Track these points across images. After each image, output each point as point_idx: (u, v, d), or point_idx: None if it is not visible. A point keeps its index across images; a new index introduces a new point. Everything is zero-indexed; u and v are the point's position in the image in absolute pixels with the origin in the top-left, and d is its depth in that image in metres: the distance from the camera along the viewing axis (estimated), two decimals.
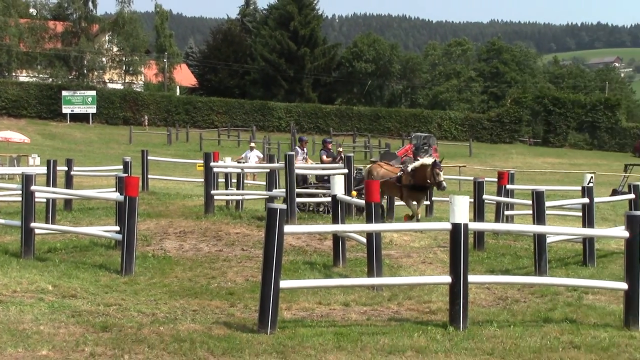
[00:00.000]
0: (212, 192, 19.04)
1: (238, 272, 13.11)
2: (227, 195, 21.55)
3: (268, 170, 20.76)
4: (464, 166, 43.11)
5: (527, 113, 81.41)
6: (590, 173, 21.50)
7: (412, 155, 54.11)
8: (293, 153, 18.69)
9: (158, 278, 12.50)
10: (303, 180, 21.74)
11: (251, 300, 10.92)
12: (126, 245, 12.66)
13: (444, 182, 17.95)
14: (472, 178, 21.31)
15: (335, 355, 8.35)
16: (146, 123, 72.65)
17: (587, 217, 15.44)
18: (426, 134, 61.08)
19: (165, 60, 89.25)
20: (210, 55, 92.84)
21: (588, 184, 17.40)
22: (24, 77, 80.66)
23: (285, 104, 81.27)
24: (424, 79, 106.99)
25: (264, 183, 22.73)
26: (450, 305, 9.74)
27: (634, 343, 9.07)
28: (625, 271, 10.07)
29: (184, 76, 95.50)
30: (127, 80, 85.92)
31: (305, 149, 23.60)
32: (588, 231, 14.23)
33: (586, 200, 15.47)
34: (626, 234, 9.97)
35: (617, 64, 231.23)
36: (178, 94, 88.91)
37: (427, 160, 18.31)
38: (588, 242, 15.07)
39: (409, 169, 18.33)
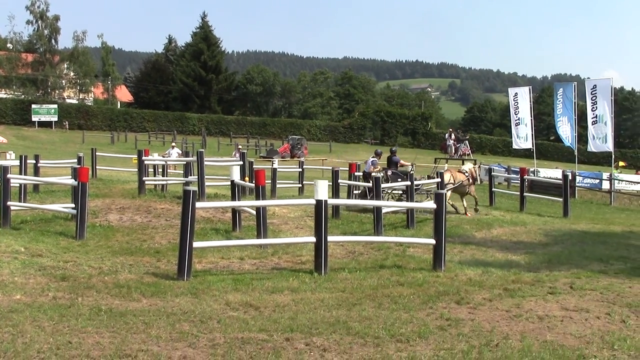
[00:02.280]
0: (144, 178, 18.58)
1: (163, 236, 12.84)
2: (155, 181, 21.08)
3: (185, 162, 20.41)
4: (325, 159, 43.43)
5: (369, 122, 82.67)
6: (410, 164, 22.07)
7: (288, 152, 54.24)
8: (202, 150, 18.38)
9: (103, 241, 12.09)
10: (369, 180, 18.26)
11: (172, 257, 10.71)
12: (79, 218, 12.20)
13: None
14: (331, 168, 21.58)
15: (233, 295, 8.30)
16: (67, 127, 70.32)
17: (410, 194, 15.83)
18: (299, 137, 61.19)
19: (109, 82, 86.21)
20: (143, 79, 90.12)
21: (410, 172, 17.85)
22: (2, 94, 76.95)
23: (198, 114, 79.65)
24: (298, 97, 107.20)
25: (182, 172, 22.34)
26: (315, 257, 9.81)
27: (439, 280, 9.38)
28: (433, 231, 10.40)
29: (123, 94, 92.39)
30: (80, 97, 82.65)
31: (375, 160, 19.69)
32: (409, 204, 14.61)
33: (408, 183, 15.83)
34: (434, 206, 10.31)
35: (429, 89, 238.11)
36: (119, 107, 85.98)
37: (471, 165, 19.28)
38: (410, 212, 15.47)
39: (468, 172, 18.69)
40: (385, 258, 11.28)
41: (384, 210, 14.83)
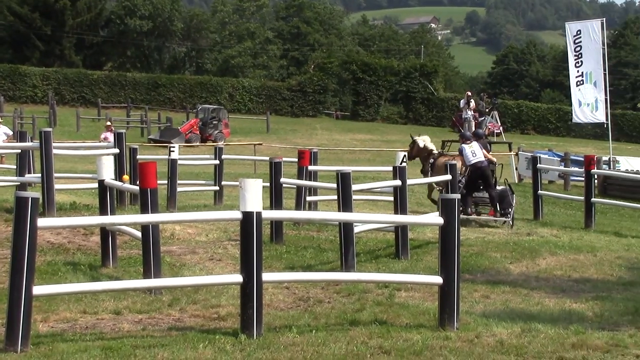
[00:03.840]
0: None
1: None
2: None
3: (19, 150, 20.17)
4: (260, 144, 43.47)
5: (333, 81, 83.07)
6: (403, 151, 22.30)
7: (197, 132, 54.36)
8: (50, 130, 18.23)
9: None
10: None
11: None
12: None
13: None
14: (268, 158, 21.60)
15: None
16: None
17: (400, 202, 15.92)
18: (215, 106, 61.10)
19: None
20: None
21: (400, 163, 18.00)
22: None
23: (42, 69, 78.85)
24: (212, 40, 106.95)
25: (14, 167, 22.05)
26: (242, 309, 9.80)
27: (449, 345, 9.46)
28: (440, 263, 10.48)
29: None
30: None
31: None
32: (400, 218, 14.68)
33: (398, 182, 15.93)
34: (441, 221, 10.37)
35: (433, 25, 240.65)
36: None
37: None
38: (401, 231, 15.58)
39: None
40: (359, 309, 11.33)
41: (357, 229, 14.91)
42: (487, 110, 52.31)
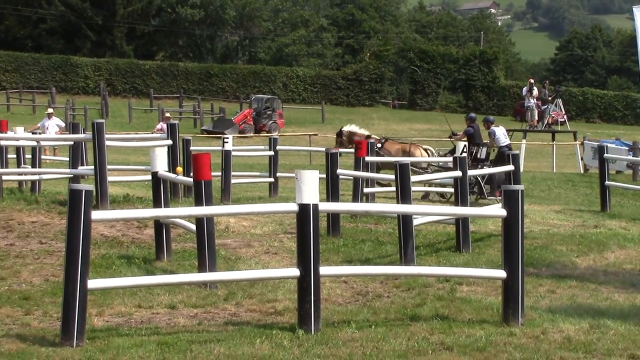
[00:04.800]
0: (0, 170, 18.55)
1: (35, 270, 12.80)
2: (20, 174, 21.04)
3: (72, 142, 20.38)
4: (315, 134, 43.58)
5: (390, 70, 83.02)
6: (464, 141, 22.23)
7: (251, 123, 54.60)
8: (103, 121, 18.43)
9: None
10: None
11: (52, 305, 10.69)
12: None
13: None
14: (324, 149, 21.61)
15: None
16: None
17: (460, 193, 15.89)
18: (269, 96, 61.34)
19: None
20: None
21: (461, 153, 17.97)
22: None
23: (93, 59, 79.76)
24: (265, 28, 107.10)
25: (67, 159, 22.31)
26: (299, 303, 9.80)
27: (513, 341, 9.38)
28: (503, 256, 10.39)
29: None
30: None
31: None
32: (461, 210, 14.58)
33: (459, 173, 15.89)
34: (504, 213, 10.30)
35: (493, 10, 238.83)
36: None
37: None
38: (462, 224, 15.50)
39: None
40: (420, 303, 11.31)
41: (417, 222, 14.87)
42: (550, 98, 51.79)
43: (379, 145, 25.05)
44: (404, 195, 14.47)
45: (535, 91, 50.42)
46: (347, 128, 26.08)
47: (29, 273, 12.67)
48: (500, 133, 24.09)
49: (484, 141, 24.48)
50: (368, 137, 25.00)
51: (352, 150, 22.76)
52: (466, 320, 10.38)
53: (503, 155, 22.22)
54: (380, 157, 23.94)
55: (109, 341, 9.22)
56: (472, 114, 26.79)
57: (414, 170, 22.75)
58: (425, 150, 26.05)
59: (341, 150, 23.13)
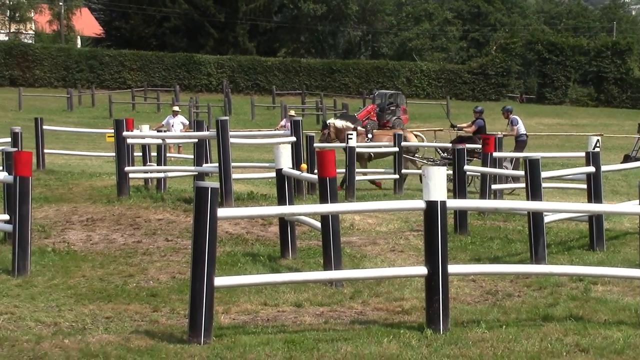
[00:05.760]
0: (127, 168, 18.90)
1: (162, 268, 13.06)
2: (146, 172, 21.42)
3: (196, 140, 20.68)
4: (441, 130, 43.28)
5: (517, 63, 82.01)
6: (596, 135, 21.81)
7: (375, 118, 54.56)
8: (227, 118, 18.65)
9: (60, 278, 12.38)
10: None
11: (179, 302, 10.89)
12: (18, 238, 12.49)
13: None
14: (450, 145, 21.47)
15: None
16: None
17: (594, 189, 15.61)
18: (393, 92, 61.24)
19: (61, 3, 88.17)
20: None
21: (594, 148, 17.61)
22: None
23: (216, 56, 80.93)
24: (388, 22, 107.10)
25: (192, 156, 22.65)
26: (427, 302, 9.79)
27: None
28: None
29: (86, 24, 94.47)
30: (12, 30, 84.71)
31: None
32: (595, 207, 14.32)
33: (592, 168, 15.63)
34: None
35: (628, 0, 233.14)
36: (79, 46, 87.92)
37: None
38: (596, 221, 15.23)
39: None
40: (552, 303, 11.16)
41: (548, 219, 14.65)
42: None
43: (370, 135, 25.97)
44: (534, 191, 14.27)
45: None
46: (332, 121, 26.17)
47: (156, 270, 12.92)
48: (521, 122, 26.08)
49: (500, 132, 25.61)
50: (354, 128, 24.94)
51: (340, 144, 23.69)
52: (602, 322, 10.20)
53: (523, 144, 25.23)
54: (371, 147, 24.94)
55: (236, 339, 9.33)
56: (480, 107, 28.33)
57: (406, 157, 24.03)
58: (416, 136, 26.60)
59: (328, 145, 23.93)
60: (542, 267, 12.43)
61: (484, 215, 18.35)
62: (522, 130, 25.70)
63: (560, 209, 14.31)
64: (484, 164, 19.06)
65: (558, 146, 45.44)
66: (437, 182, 9.74)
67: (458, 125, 27.94)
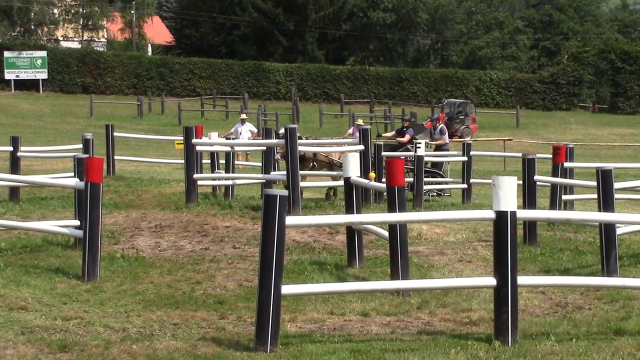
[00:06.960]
0: (195, 176, 19.03)
1: (229, 275, 13.13)
2: (214, 179, 21.58)
3: (264, 148, 20.77)
4: (510, 139, 42.99)
5: (589, 72, 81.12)
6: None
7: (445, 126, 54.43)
8: (295, 126, 18.70)
9: (129, 284, 12.51)
10: None
11: (246, 310, 10.94)
12: (88, 244, 12.66)
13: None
14: (520, 155, 21.28)
15: None
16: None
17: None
18: (462, 100, 60.96)
19: (133, 11, 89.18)
20: (190, 5, 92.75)
21: None
22: None
23: (285, 65, 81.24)
24: (458, 31, 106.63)
25: (260, 164, 22.74)
26: (496, 314, 9.73)
27: None
28: None
29: (157, 32, 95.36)
30: (85, 38, 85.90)
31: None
32: None
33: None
34: None
35: None
36: (150, 54, 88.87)
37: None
38: None
39: None
40: (624, 317, 11.01)
41: (620, 230, 14.46)
42: None
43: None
44: (606, 202, 14.10)
45: None
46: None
47: (223, 277, 12.99)
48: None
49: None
50: (299, 137, 22.95)
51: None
52: None
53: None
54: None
55: (302, 347, 9.34)
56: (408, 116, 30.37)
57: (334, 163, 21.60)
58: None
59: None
60: (614, 280, 12.28)
61: (554, 226, 18.18)
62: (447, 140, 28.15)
63: (634, 220, 14.12)
64: (554, 174, 18.87)
65: (631, 157, 44.96)
66: (508, 192, 9.67)
67: (383, 135, 29.40)
